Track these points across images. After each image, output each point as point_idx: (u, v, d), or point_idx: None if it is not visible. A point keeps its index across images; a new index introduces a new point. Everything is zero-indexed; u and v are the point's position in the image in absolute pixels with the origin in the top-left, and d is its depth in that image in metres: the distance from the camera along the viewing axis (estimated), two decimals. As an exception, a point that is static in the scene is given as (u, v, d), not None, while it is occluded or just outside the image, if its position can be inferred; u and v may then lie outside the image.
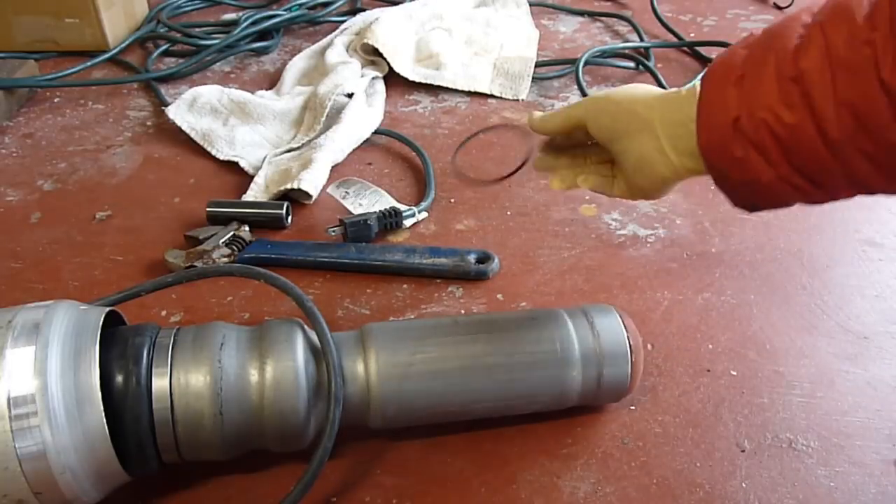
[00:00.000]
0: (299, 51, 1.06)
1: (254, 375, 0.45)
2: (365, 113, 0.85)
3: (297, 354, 0.46)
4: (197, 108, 0.86)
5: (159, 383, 0.43)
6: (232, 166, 0.81)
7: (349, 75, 0.88)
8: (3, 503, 0.40)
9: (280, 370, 0.45)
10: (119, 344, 0.44)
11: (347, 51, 0.98)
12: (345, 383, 0.47)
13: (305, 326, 0.49)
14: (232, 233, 0.69)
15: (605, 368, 0.51)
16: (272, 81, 0.99)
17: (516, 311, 0.55)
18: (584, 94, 0.89)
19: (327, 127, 0.82)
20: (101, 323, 0.44)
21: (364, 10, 1.15)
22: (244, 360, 0.45)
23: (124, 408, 0.42)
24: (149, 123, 0.91)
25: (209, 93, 0.87)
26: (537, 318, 0.52)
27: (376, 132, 0.85)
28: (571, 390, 0.51)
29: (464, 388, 0.49)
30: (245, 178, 0.80)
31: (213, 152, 0.82)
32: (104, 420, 0.41)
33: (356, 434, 0.51)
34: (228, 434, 0.44)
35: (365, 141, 0.85)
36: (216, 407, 0.44)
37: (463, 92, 0.95)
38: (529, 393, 0.50)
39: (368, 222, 0.69)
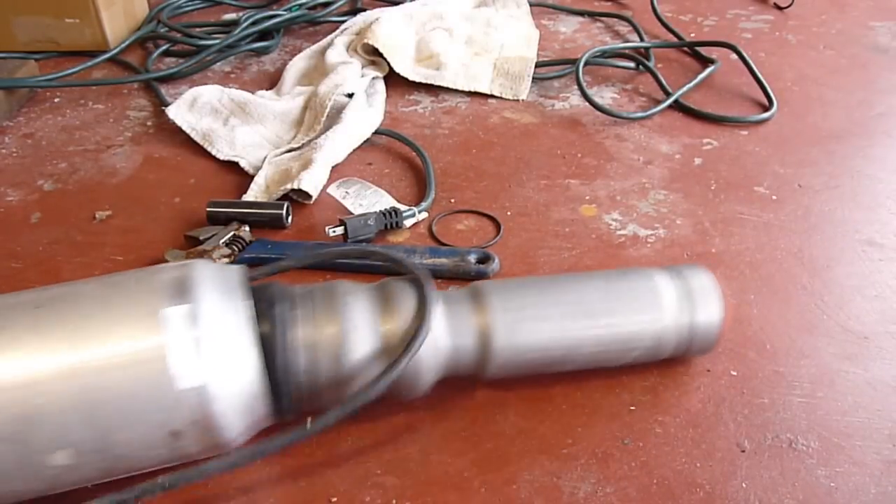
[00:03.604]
0: (299, 51, 1.06)
1: (380, 328, 0.49)
2: (365, 113, 0.85)
3: (413, 308, 0.50)
4: (197, 108, 0.86)
5: (301, 333, 0.47)
6: (232, 166, 0.82)
7: (349, 75, 0.88)
8: (162, 432, 0.43)
9: (404, 323, 0.49)
10: (261, 298, 0.48)
11: (348, 51, 0.98)
12: (462, 334, 0.51)
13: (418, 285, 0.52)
14: (232, 233, 0.69)
15: (698, 317, 0.54)
16: (272, 81, 0.99)
17: (604, 269, 0.58)
18: (584, 94, 0.89)
19: (327, 127, 0.82)
20: (246, 279, 0.48)
21: (364, 10, 1.15)
22: (371, 315, 0.49)
23: (272, 356, 0.46)
24: (149, 123, 0.91)
25: (209, 93, 0.87)
26: (628, 273, 0.55)
27: (377, 132, 0.85)
28: (667, 338, 0.54)
29: (569, 336, 0.52)
30: (245, 179, 0.80)
31: (214, 152, 0.82)
32: (260, 364, 0.45)
33: (360, 434, 0.51)
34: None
35: (365, 141, 0.85)
36: (349, 358, 0.47)
37: (463, 92, 0.95)
38: (628, 340, 0.53)
39: (369, 222, 0.69)
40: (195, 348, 0.42)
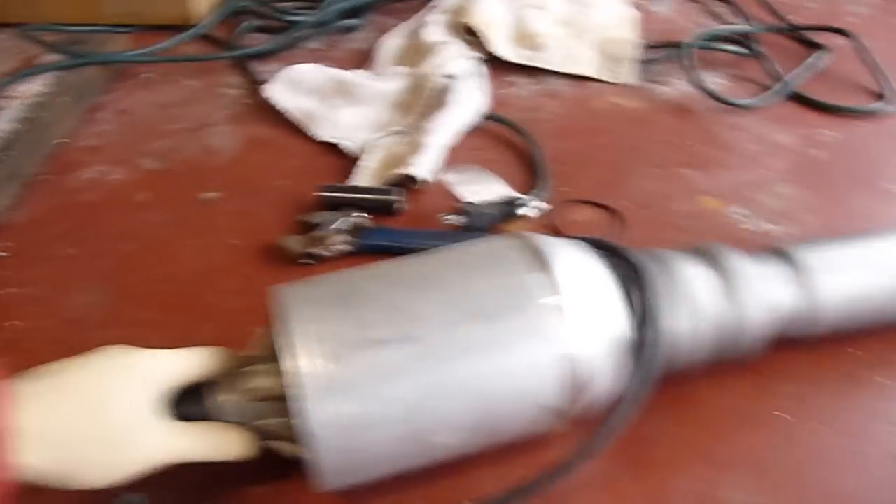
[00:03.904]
0: (387, 28, 1.03)
1: (724, 299, 0.50)
2: (471, 96, 0.82)
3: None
4: (297, 87, 0.85)
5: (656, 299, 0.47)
6: (335, 148, 0.80)
7: (452, 56, 0.86)
8: (539, 404, 0.44)
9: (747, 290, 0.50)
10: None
11: (444, 29, 0.95)
12: (788, 295, 0.52)
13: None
14: (348, 218, 0.67)
15: None
16: (363, 60, 0.97)
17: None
18: (695, 80, 0.85)
19: (432, 109, 0.80)
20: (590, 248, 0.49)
21: (451, -14, 1.11)
22: (712, 283, 0.50)
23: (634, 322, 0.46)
24: (245, 102, 0.89)
25: (309, 72, 0.86)
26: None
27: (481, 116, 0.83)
28: None
29: (886, 285, 0.54)
30: (349, 161, 0.78)
31: (316, 133, 0.81)
32: (628, 328, 0.46)
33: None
34: (708, 350, 0.50)
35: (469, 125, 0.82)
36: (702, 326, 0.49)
37: (563, 74, 0.92)
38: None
39: (488, 211, 0.67)
40: (572, 318, 0.43)
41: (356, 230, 0.67)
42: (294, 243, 0.65)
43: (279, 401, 0.42)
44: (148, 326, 0.60)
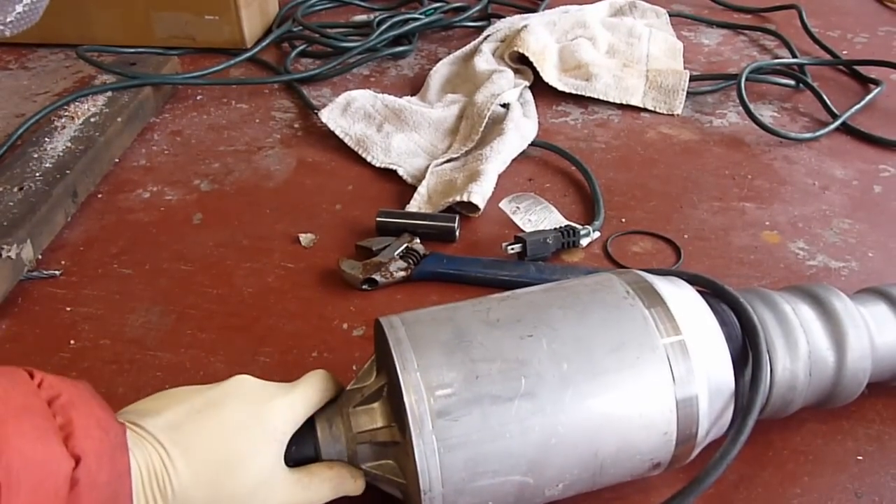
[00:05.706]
0: (434, 55, 1.04)
1: (830, 344, 0.48)
2: (523, 124, 0.82)
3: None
4: (350, 112, 0.85)
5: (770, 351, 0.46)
6: (387, 174, 0.80)
7: (505, 84, 0.86)
8: (647, 460, 0.43)
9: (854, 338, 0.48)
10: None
11: (494, 58, 0.95)
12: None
13: None
14: (406, 245, 0.67)
15: None
16: (412, 86, 0.98)
17: None
18: (747, 110, 0.85)
19: (484, 137, 0.80)
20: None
21: (497, 15, 1.12)
22: (822, 326, 0.49)
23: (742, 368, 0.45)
24: (296, 126, 0.90)
25: (362, 97, 0.86)
26: None
27: (532, 144, 0.83)
28: None
29: None
30: (402, 187, 0.78)
31: (369, 159, 0.81)
32: (731, 373, 0.44)
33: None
34: (809, 396, 0.49)
35: (520, 153, 0.82)
36: (806, 372, 0.47)
37: (613, 104, 0.92)
38: None
39: (547, 241, 0.67)
40: (692, 361, 0.42)
41: (414, 257, 0.66)
42: (352, 268, 0.65)
43: (386, 445, 0.41)
44: (206, 349, 0.60)
